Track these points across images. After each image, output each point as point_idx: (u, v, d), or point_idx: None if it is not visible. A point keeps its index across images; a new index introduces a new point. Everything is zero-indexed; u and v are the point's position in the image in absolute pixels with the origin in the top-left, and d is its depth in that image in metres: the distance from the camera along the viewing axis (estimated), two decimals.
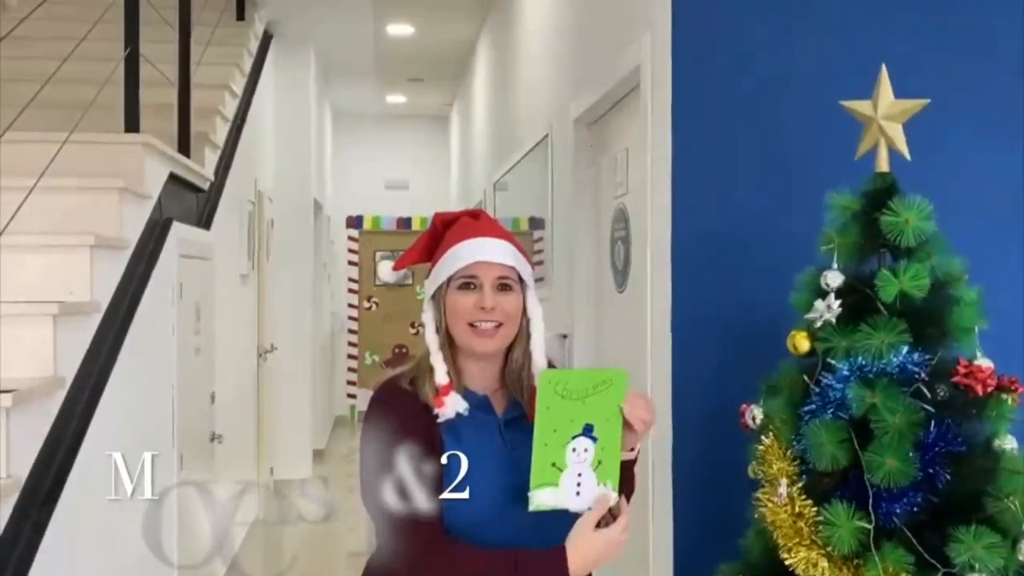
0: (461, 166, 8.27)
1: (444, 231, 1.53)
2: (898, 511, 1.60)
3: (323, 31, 6.51)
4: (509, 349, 1.52)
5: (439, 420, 1.44)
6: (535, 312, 1.51)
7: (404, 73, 7.76)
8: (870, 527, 1.57)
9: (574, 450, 1.37)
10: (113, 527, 2.61)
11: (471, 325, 1.47)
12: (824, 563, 1.60)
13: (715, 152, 2.19)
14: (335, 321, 8.95)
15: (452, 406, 1.44)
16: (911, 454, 1.59)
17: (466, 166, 7.80)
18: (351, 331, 9.24)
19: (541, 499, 1.36)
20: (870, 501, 1.59)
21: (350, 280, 8.99)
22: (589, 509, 1.38)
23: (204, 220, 3.99)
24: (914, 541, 1.57)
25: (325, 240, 8.16)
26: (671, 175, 2.21)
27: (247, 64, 5.17)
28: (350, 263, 9.07)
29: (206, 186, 3.96)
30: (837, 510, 1.59)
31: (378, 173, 9.41)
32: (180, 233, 3.37)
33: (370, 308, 9.13)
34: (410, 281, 8.80)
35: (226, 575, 4.65)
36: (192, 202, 3.78)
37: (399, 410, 1.46)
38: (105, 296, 2.56)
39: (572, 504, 1.38)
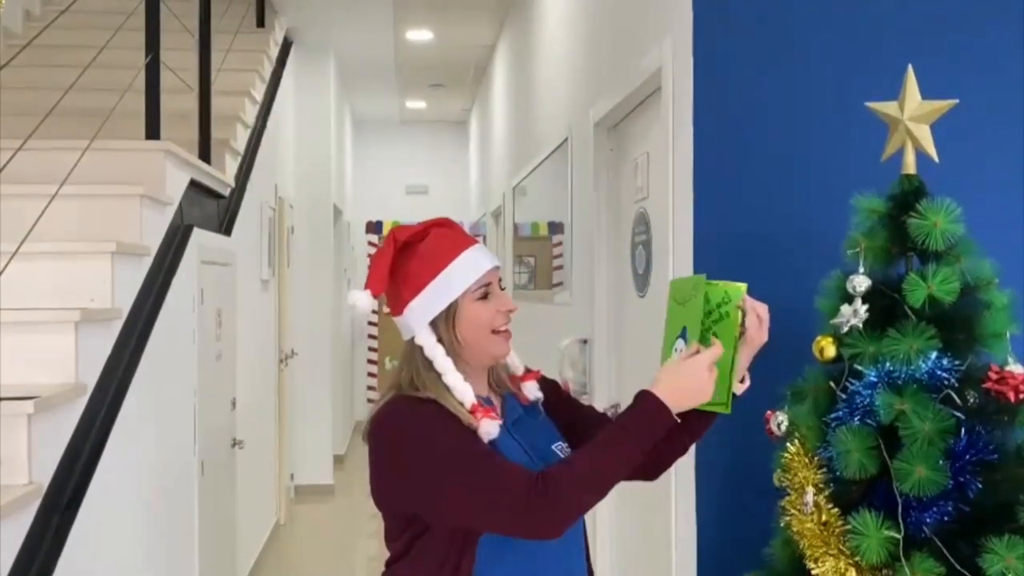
0: (480, 171, 8.27)
1: (405, 247, 1.47)
2: (928, 520, 1.56)
3: (343, 37, 6.53)
4: None
5: (485, 440, 1.39)
6: None
7: (423, 79, 7.77)
8: (899, 537, 1.54)
9: (676, 350, 1.48)
10: (135, 533, 2.62)
11: (495, 332, 1.47)
12: (852, 573, 1.57)
13: (737, 155, 2.16)
14: (355, 327, 8.97)
15: (493, 424, 1.40)
16: (941, 462, 1.55)
17: (485, 171, 7.79)
18: (371, 336, 9.26)
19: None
20: (899, 510, 1.55)
21: None
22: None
23: (225, 226, 4.00)
24: (945, 551, 1.53)
25: (345, 246, 8.19)
26: (693, 178, 2.18)
27: (267, 71, 5.19)
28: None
29: (227, 192, 3.97)
30: (865, 519, 1.55)
31: (398, 179, 9.43)
32: (201, 239, 3.38)
33: (389, 313, 9.13)
34: None
35: None
36: (213, 208, 3.80)
37: (437, 412, 1.40)
38: (126, 303, 2.57)
39: None
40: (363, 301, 1.44)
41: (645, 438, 1.37)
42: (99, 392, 2.32)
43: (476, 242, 1.52)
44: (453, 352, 1.44)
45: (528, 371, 1.58)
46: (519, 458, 1.45)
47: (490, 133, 7.38)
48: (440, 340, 1.44)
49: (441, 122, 9.50)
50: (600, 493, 1.38)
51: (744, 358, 1.48)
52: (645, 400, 1.39)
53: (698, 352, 1.41)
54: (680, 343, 1.48)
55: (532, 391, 1.56)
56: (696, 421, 1.50)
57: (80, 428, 2.19)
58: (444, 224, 1.51)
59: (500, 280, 1.52)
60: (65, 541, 2.04)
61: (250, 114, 4.63)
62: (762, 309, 1.48)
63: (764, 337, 1.49)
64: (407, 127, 9.52)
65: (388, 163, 9.46)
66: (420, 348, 1.44)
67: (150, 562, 2.78)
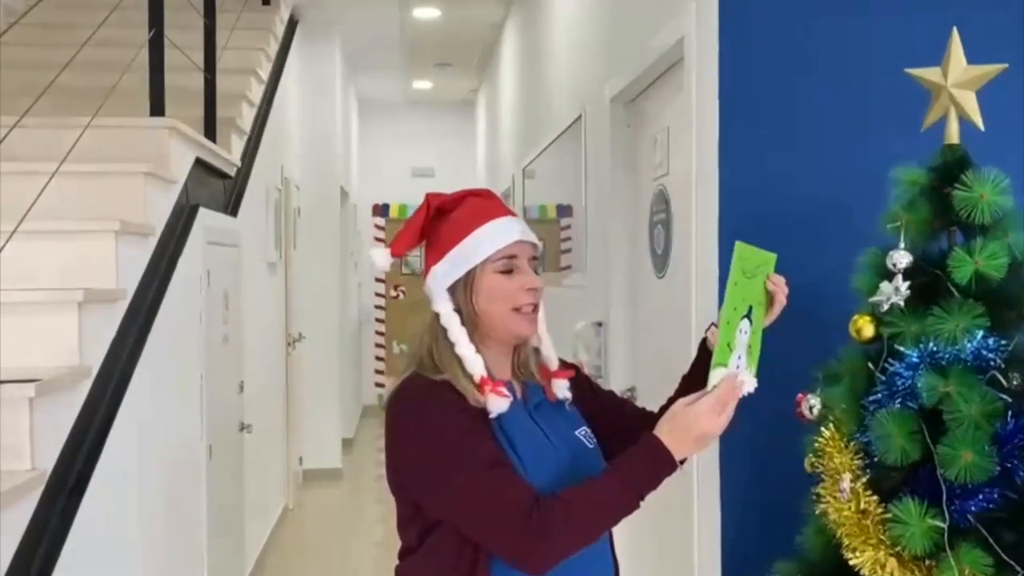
0: (488, 153, 8.17)
1: (439, 214, 1.42)
2: (973, 508, 1.48)
3: (349, 16, 6.42)
4: None
5: (492, 415, 1.34)
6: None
7: (430, 58, 7.66)
8: (944, 526, 1.46)
9: (742, 331, 1.35)
10: (142, 518, 2.56)
11: (515, 309, 1.38)
12: (893, 564, 1.49)
13: (766, 126, 2.07)
14: (362, 310, 8.91)
15: (503, 399, 1.34)
16: (987, 447, 1.47)
17: (493, 153, 7.70)
18: (378, 320, 9.20)
19: (714, 380, 1.32)
20: (943, 498, 1.47)
21: None
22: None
23: (231, 207, 3.93)
24: (991, 541, 1.46)
25: (352, 228, 8.11)
26: (718, 153, 2.09)
27: (273, 49, 5.10)
28: (376, 242, 9.03)
29: (233, 172, 3.89)
30: (908, 507, 1.48)
31: (404, 161, 9.33)
32: (207, 220, 3.31)
33: (397, 297, 9.09)
34: None
35: (255, 564, 4.62)
36: (219, 188, 3.72)
37: (450, 401, 1.34)
38: (131, 283, 2.50)
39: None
40: (380, 258, 1.42)
41: (645, 489, 1.30)
42: (103, 375, 2.25)
43: (511, 214, 1.43)
44: (471, 324, 1.39)
45: (564, 365, 1.49)
46: (539, 442, 1.39)
47: (498, 114, 7.28)
48: (458, 310, 1.38)
49: (448, 103, 9.39)
50: (590, 540, 1.32)
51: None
52: (654, 449, 1.30)
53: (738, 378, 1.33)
54: (745, 323, 1.36)
55: (561, 390, 1.46)
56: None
57: (84, 412, 2.13)
58: (480, 193, 1.46)
59: (535, 258, 1.43)
60: (70, 527, 1.98)
61: (256, 93, 4.55)
62: (780, 281, 1.48)
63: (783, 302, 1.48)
64: (413, 108, 9.41)
65: (394, 145, 9.36)
66: (438, 316, 1.39)
67: (158, 547, 2.72)
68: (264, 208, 4.85)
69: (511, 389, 1.42)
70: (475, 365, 1.35)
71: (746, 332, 1.35)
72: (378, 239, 9.16)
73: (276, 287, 5.39)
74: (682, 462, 1.34)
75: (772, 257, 1.44)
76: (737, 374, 1.32)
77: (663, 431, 1.30)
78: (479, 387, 1.34)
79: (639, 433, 1.33)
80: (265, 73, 4.81)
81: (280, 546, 5.16)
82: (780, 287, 1.46)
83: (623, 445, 1.33)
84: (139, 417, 2.50)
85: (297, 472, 6.18)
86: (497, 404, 1.33)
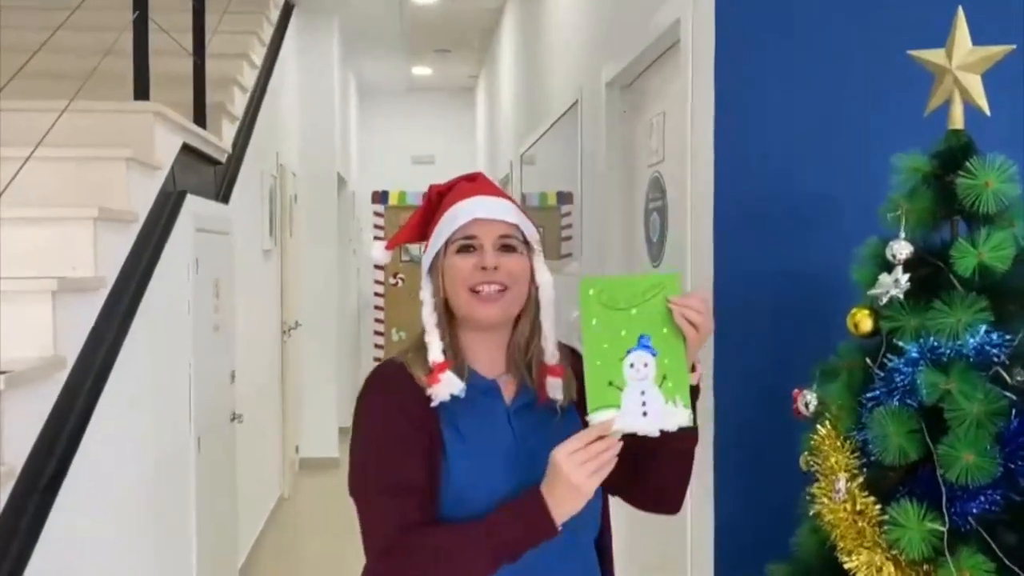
0: (488, 140, 8.09)
1: (439, 199, 1.39)
2: (974, 511, 1.41)
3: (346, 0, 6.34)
4: (516, 320, 1.36)
5: (433, 404, 1.29)
6: (544, 279, 1.36)
7: (430, 44, 7.57)
8: (944, 529, 1.40)
9: (632, 365, 1.22)
10: (125, 512, 2.51)
11: (473, 291, 1.31)
12: (890, 568, 1.43)
13: (764, 111, 1.99)
14: (361, 298, 8.85)
15: (447, 386, 1.29)
16: (990, 447, 1.41)
17: (493, 139, 7.62)
18: (377, 308, 9.15)
19: (594, 424, 1.21)
20: (943, 500, 1.41)
21: None
22: (660, 432, 1.22)
23: (222, 194, 3.86)
24: (993, 545, 1.39)
25: (350, 216, 8.04)
26: (714, 137, 2.02)
27: (267, 34, 5.02)
28: (376, 239, 8.96)
29: (223, 158, 3.82)
30: (906, 509, 1.41)
31: (404, 148, 9.26)
32: (195, 206, 3.24)
33: (396, 285, 9.03)
34: None
35: (249, 554, 4.58)
36: (209, 175, 3.65)
37: (392, 392, 1.32)
38: (112, 272, 2.44)
39: (639, 426, 1.22)
40: (376, 252, 1.45)
41: (505, 552, 1.22)
42: (81, 365, 2.19)
43: (493, 193, 1.36)
44: (448, 309, 1.35)
45: (576, 358, 1.36)
46: (502, 449, 1.32)
47: (498, 100, 7.19)
48: (437, 295, 1.35)
49: (448, 89, 9.30)
50: None
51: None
52: (528, 508, 1.21)
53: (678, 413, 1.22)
54: (639, 356, 1.21)
55: (554, 389, 1.35)
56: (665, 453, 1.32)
57: (60, 404, 2.07)
58: (470, 177, 1.41)
59: (507, 239, 1.33)
60: (43, 526, 1.92)
61: (249, 78, 4.47)
62: (686, 302, 1.25)
63: (700, 322, 1.24)
64: (413, 95, 9.32)
65: (394, 132, 9.29)
66: None
67: (142, 540, 2.67)
68: (258, 195, 4.79)
69: (492, 387, 1.36)
70: (434, 348, 1.31)
71: (648, 365, 1.22)
72: (377, 227, 9.09)
73: (271, 275, 5.33)
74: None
75: (667, 278, 1.26)
76: (624, 415, 1.20)
77: (544, 482, 1.22)
78: (432, 373, 1.30)
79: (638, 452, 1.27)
80: (258, 58, 4.73)
81: (275, 535, 5.12)
82: (684, 309, 1.23)
83: (622, 465, 1.25)
84: (121, 409, 2.45)
85: (293, 461, 6.13)
86: (437, 392, 1.29)
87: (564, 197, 4.13)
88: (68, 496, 2.04)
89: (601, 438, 1.20)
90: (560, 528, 1.22)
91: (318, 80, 6.52)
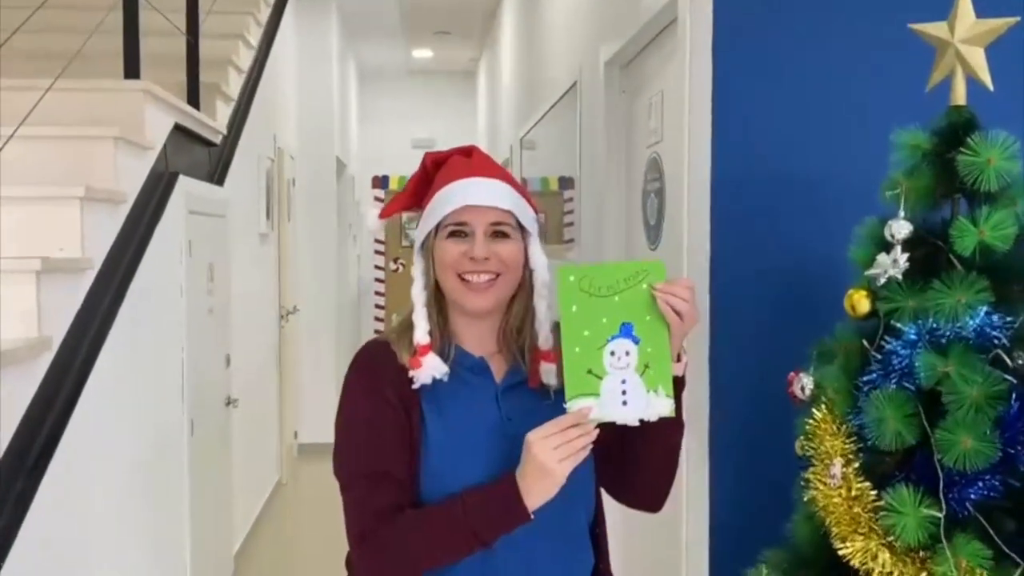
0: (489, 123, 8.03)
1: (435, 172, 1.35)
2: (972, 497, 1.38)
3: None
4: (509, 304, 1.33)
5: (415, 385, 1.27)
6: (538, 262, 1.33)
7: (430, 26, 7.50)
8: (940, 515, 1.36)
9: (613, 353, 1.19)
10: (114, 495, 2.48)
11: (462, 278, 1.28)
12: (885, 555, 1.39)
13: (762, 89, 1.95)
14: (361, 282, 8.81)
15: (428, 369, 1.27)
16: (988, 432, 1.37)
17: (493, 123, 7.56)
18: (378, 293, 9.11)
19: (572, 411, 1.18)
20: (940, 485, 1.37)
21: (376, 241, 8.85)
22: (641, 422, 1.19)
23: (217, 176, 3.82)
24: (991, 531, 1.36)
25: (350, 200, 8.00)
26: (711, 116, 1.97)
27: (264, 14, 4.95)
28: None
29: (218, 140, 3.78)
30: (902, 495, 1.37)
31: (404, 132, 9.20)
32: (189, 188, 3.20)
33: (397, 270, 8.98)
34: None
35: (246, 539, 4.57)
36: (203, 156, 3.61)
37: (376, 371, 1.30)
38: (100, 253, 2.40)
39: (618, 415, 1.19)
40: (370, 220, 1.46)
41: (486, 533, 1.20)
42: (68, 347, 2.16)
43: (488, 174, 1.32)
44: (438, 290, 1.33)
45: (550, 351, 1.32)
46: (488, 427, 1.29)
47: (498, 83, 7.13)
48: (426, 272, 1.33)
49: (449, 73, 9.23)
50: (422, 570, 1.26)
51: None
52: (499, 493, 1.19)
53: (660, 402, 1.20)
54: (621, 344, 1.19)
55: (547, 375, 1.31)
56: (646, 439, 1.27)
57: (45, 386, 2.04)
58: (466, 151, 1.38)
59: (498, 226, 1.30)
60: (27, 509, 1.89)
61: (245, 59, 4.42)
62: (671, 288, 1.21)
63: (685, 310, 1.21)
64: (414, 79, 9.26)
65: (394, 116, 9.23)
66: None
67: (134, 523, 2.65)
68: (255, 178, 4.74)
69: (481, 366, 1.33)
70: (420, 329, 1.29)
71: (630, 353, 1.19)
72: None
73: (268, 259, 5.29)
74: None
75: (651, 265, 1.22)
76: (603, 404, 1.18)
77: (519, 467, 1.19)
78: (415, 355, 1.28)
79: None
80: (255, 39, 4.67)
81: (272, 520, 5.11)
82: (669, 296, 1.19)
83: (619, 446, 1.23)
84: (110, 391, 2.42)
85: (291, 446, 6.12)
86: (419, 376, 1.27)
87: (566, 182, 4.08)
88: (55, 479, 2.01)
89: (578, 425, 1.17)
90: (532, 515, 1.19)
91: (317, 62, 6.46)
